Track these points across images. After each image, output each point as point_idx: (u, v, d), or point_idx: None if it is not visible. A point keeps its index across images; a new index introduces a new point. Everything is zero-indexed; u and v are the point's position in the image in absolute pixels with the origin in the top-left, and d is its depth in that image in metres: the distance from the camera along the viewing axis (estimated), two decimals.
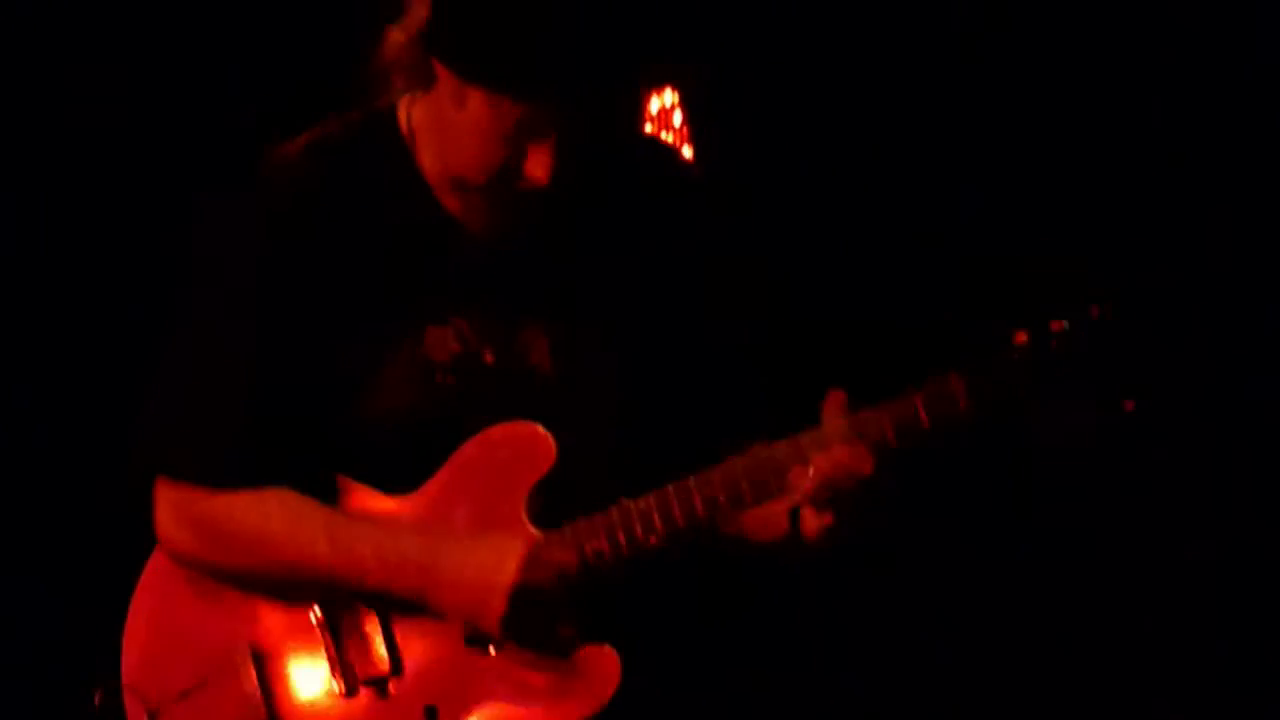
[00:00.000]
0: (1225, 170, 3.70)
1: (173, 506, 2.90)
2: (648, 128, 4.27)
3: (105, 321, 3.81)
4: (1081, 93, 3.79)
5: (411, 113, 2.91)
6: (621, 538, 2.82)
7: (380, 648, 2.89)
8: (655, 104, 4.28)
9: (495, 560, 2.79)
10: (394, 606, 2.87)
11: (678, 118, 4.29)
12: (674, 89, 4.26)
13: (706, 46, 3.43)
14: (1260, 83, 3.68)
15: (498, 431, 2.88)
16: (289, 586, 2.89)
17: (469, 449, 2.89)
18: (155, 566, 3.01)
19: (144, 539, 3.00)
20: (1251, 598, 3.90)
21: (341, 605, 2.90)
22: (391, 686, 2.88)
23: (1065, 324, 2.74)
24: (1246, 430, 3.78)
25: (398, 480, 2.90)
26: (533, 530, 2.84)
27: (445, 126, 2.82)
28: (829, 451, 2.76)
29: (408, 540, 2.85)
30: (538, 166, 2.76)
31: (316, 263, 2.87)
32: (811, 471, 2.76)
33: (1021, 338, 2.75)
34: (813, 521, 2.81)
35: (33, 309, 3.76)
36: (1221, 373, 3.60)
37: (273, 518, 2.86)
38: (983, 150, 3.87)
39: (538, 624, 2.83)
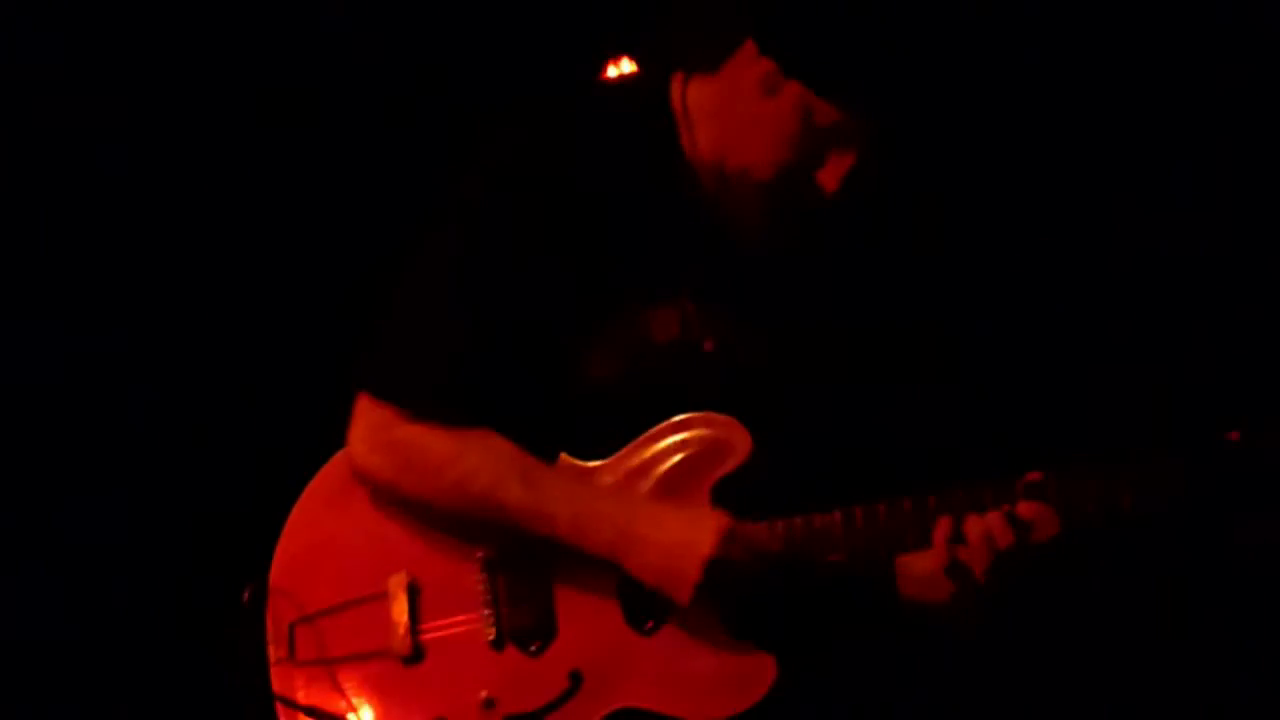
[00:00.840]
0: None
1: (373, 425, 2.90)
2: None
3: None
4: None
5: (688, 90, 2.90)
6: (816, 546, 2.82)
7: (540, 606, 2.89)
8: None
9: (697, 528, 2.79)
10: (568, 562, 2.87)
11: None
12: None
13: None
14: None
15: (699, 418, 2.89)
16: (469, 524, 2.89)
17: (667, 429, 2.90)
18: (325, 479, 3.01)
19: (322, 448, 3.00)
20: None
21: (510, 557, 2.90)
22: (541, 645, 2.89)
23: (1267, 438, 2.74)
24: None
25: (597, 451, 2.91)
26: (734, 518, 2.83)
27: (739, 114, 2.80)
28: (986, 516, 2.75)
29: (605, 498, 2.86)
30: (833, 177, 2.76)
31: (566, 220, 2.87)
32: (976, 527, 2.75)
33: (1235, 436, 2.76)
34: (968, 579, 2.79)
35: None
36: None
37: (471, 452, 2.86)
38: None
39: (704, 613, 2.84)
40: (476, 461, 2.86)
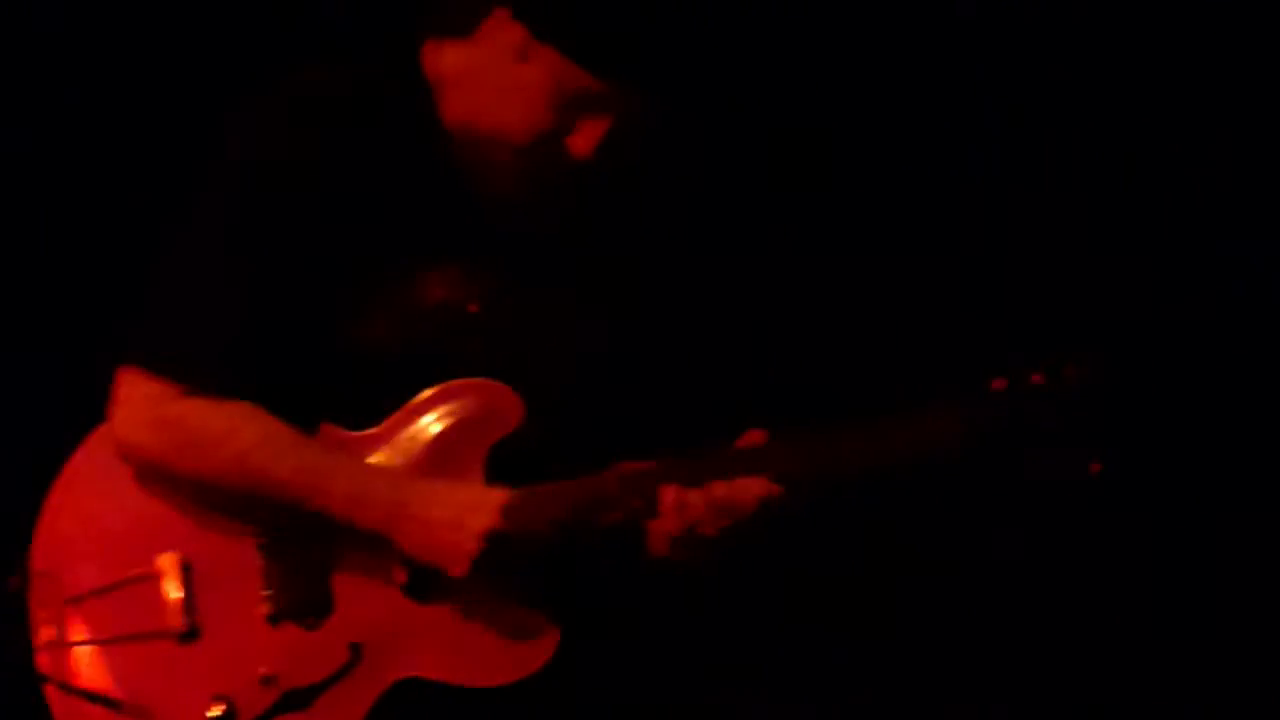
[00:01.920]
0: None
1: (140, 401, 2.85)
2: None
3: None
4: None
5: (442, 57, 2.88)
6: (587, 511, 2.84)
7: (316, 579, 2.88)
8: None
9: (472, 505, 2.80)
10: (343, 543, 2.86)
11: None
12: None
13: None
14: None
15: (467, 384, 2.90)
16: (242, 504, 2.86)
17: (436, 397, 2.90)
18: (85, 457, 2.95)
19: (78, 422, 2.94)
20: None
21: (285, 532, 2.88)
22: (319, 619, 2.88)
23: (1044, 378, 2.82)
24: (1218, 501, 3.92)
25: (364, 418, 2.89)
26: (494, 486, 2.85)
27: (492, 79, 2.80)
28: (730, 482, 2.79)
29: (379, 476, 2.85)
30: (585, 142, 2.77)
31: (320, 186, 2.84)
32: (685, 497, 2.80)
33: (999, 384, 2.83)
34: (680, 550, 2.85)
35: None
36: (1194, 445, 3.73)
37: (245, 429, 2.83)
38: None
39: (484, 583, 2.85)
40: (250, 439, 2.83)
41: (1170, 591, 3.88)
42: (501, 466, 2.89)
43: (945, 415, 2.79)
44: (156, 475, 2.89)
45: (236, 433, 2.83)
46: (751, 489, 2.78)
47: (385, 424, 2.90)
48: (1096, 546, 3.82)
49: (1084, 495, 2.88)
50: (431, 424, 2.90)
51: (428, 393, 2.90)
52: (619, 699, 3.03)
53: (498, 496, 2.81)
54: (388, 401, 2.91)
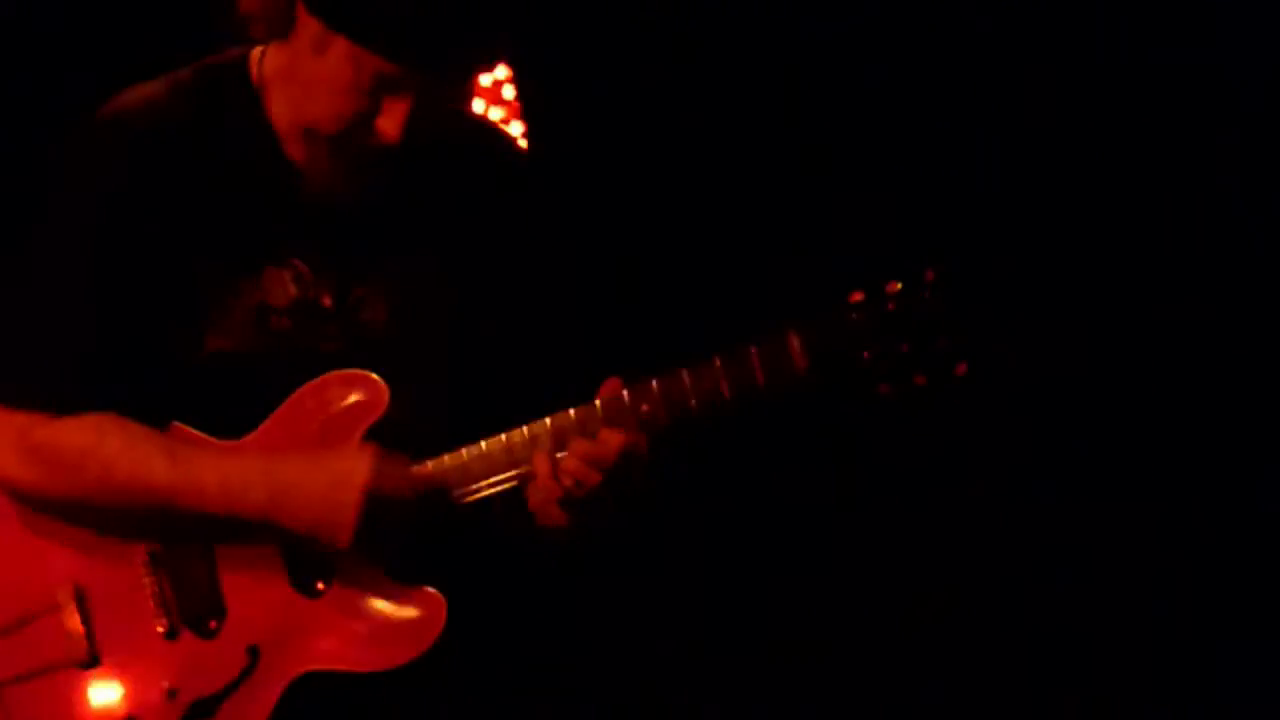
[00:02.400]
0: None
1: (11, 435, 2.88)
2: (478, 102, 4.31)
3: None
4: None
5: (264, 61, 2.93)
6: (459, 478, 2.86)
7: (205, 588, 2.90)
8: (486, 78, 4.30)
9: (344, 471, 2.81)
10: (226, 538, 2.88)
11: (509, 92, 4.32)
12: (506, 64, 4.28)
13: (541, 20, 3.44)
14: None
15: (333, 377, 2.91)
16: (122, 515, 2.88)
17: (303, 394, 2.91)
18: None
19: None
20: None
21: (168, 545, 2.91)
22: (214, 627, 2.89)
23: (900, 285, 2.80)
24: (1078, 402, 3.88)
25: (231, 424, 2.91)
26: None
27: (301, 74, 2.83)
28: (591, 439, 2.80)
29: (250, 460, 2.87)
30: (390, 124, 2.78)
31: (159, 200, 2.88)
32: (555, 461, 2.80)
33: (857, 297, 2.81)
34: (550, 515, 2.86)
35: None
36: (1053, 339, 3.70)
37: (109, 439, 2.86)
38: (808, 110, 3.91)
39: (366, 561, 2.86)
40: (116, 447, 2.86)
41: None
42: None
43: (797, 331, 2.78)
44: (39, 504, 2.91)
45: (101, 445, 2.86)
46: (613, 440, 2.78)
47: (259, 430, 2.92)
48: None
49: (951, 400, 2.83)
50: (304, 421, 2.91)
51: (295, 394, 2.91)
52: (512, 666, 3.03)
53: (367, 459, 2.82)
54: (258, 405, 2.92)
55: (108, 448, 2.86)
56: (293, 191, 2.92)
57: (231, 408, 2.91)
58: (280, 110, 2.91)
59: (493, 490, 2.87)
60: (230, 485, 2.84)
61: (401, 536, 2.86)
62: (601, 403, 2.82)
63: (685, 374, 2.80)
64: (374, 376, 2.90)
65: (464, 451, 2.87)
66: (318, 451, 2.86)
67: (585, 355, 2.99)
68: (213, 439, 2.92)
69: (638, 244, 3.66)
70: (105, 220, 2.88)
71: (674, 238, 3.84)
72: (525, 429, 2.84)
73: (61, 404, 2.87)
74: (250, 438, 2.92)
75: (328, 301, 2.94)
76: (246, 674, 2.87)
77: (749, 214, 3.85)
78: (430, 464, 2.87)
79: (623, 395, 2.81)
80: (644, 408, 2.81)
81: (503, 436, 2.86)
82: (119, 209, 2.88)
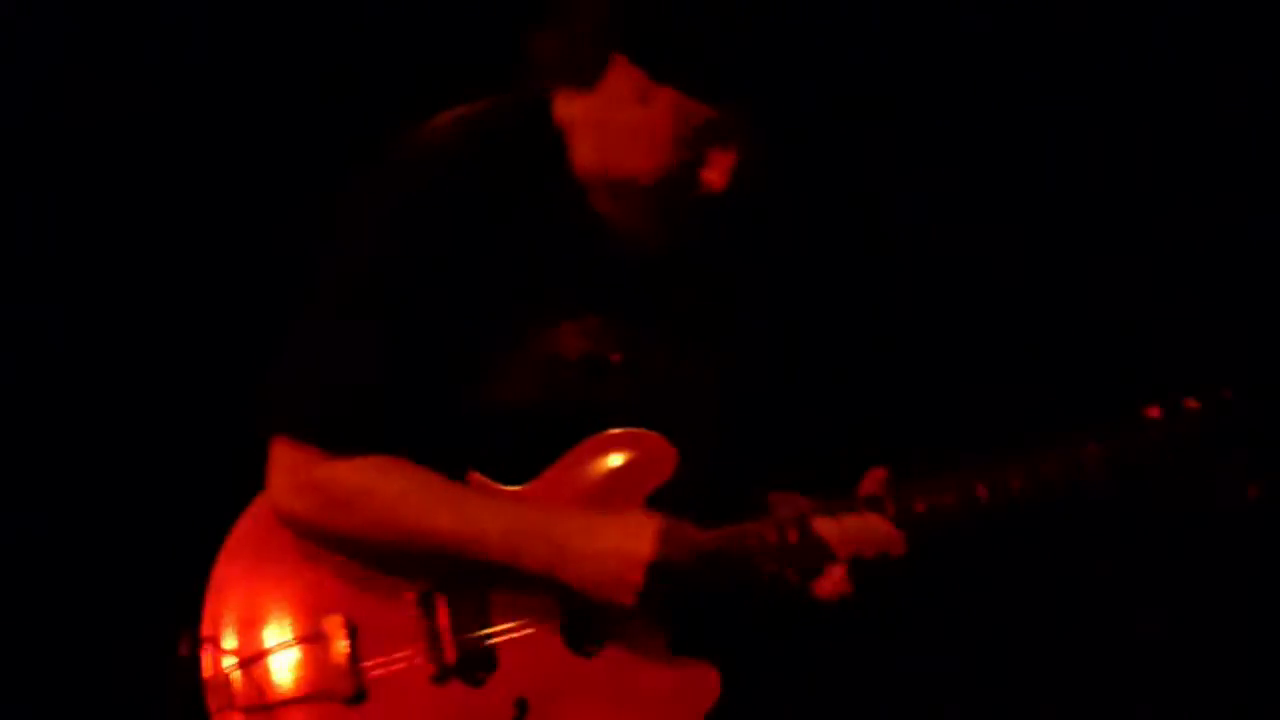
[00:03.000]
0: None
1: (291, 468, 2.88)
2: None
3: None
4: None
5: (570, 108, 2.89)
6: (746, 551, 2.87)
7: (477, 636, 2.90)
8: None
9: (633, 532, 2.81)
10: (504, 586, 2.88)
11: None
12: None
13: None
14: None
15: (621, 435, 2.92)
16: (400, 558, 2.89)
17: (588, 447, 2.92)
18: (249, 525, 2.99)
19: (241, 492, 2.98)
20: None
21: (443, 588, 2.91)
22: (484, 675, 2.90)
23: (1199, 404, 2.80)
24: None
25: (512, 472, 2.92)
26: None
27: (617, 125, 2.81)
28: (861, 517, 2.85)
29: (535, 512, 2.87)
30: (718, 175, 2.77)
31: (457, 241, 2.86)
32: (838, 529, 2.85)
33: (1155, 413, 2.81)
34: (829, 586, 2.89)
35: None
36: None
37: (395, 482, 2.86)
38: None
39: (643, 626, 2.86)
40: (398, 490, 2.86)
41: None
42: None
43: (1094, 443, 2.79)
44: (317, 538, 2.92)
45: (386, 487, 2.86)
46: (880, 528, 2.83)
47: (541, 478, 2.92)
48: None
49: (1240, 521, 2.84)
50: (587, 475, 2.91)
51: (581, 445, 2.91)
52: None
53: (660, 525, 2.82)
54: (538, 456, 2.93)
55: (389, 490, 2.86)
56: (592, 243, 2.91)
57: (511, 459, 2.92)
58: (586, 160, 2.88)
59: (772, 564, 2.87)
60: (514, 538, 2.84)
61: (682, 603, 2.86)
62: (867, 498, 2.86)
63: (976, 474, 2.82)
64: (664, 440, 2.90)
65: (747, 527, 2.88)
66: (604, 516, 2.86)
67: (859, 427, 3.00)
68: (492, 483, 2.93)
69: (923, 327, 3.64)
70: (399, 259, 2.86)
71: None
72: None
73: (344, 442, 2.87)
74: (529, 486, 2.92)
75: (617, 357, 2.93)
76: None
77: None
78: (716, 531, 2.86)
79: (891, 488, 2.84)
80: (918, 507, 2.82)
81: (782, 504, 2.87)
82: (417, 247, 2.86)
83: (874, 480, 2.91)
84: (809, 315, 3.05)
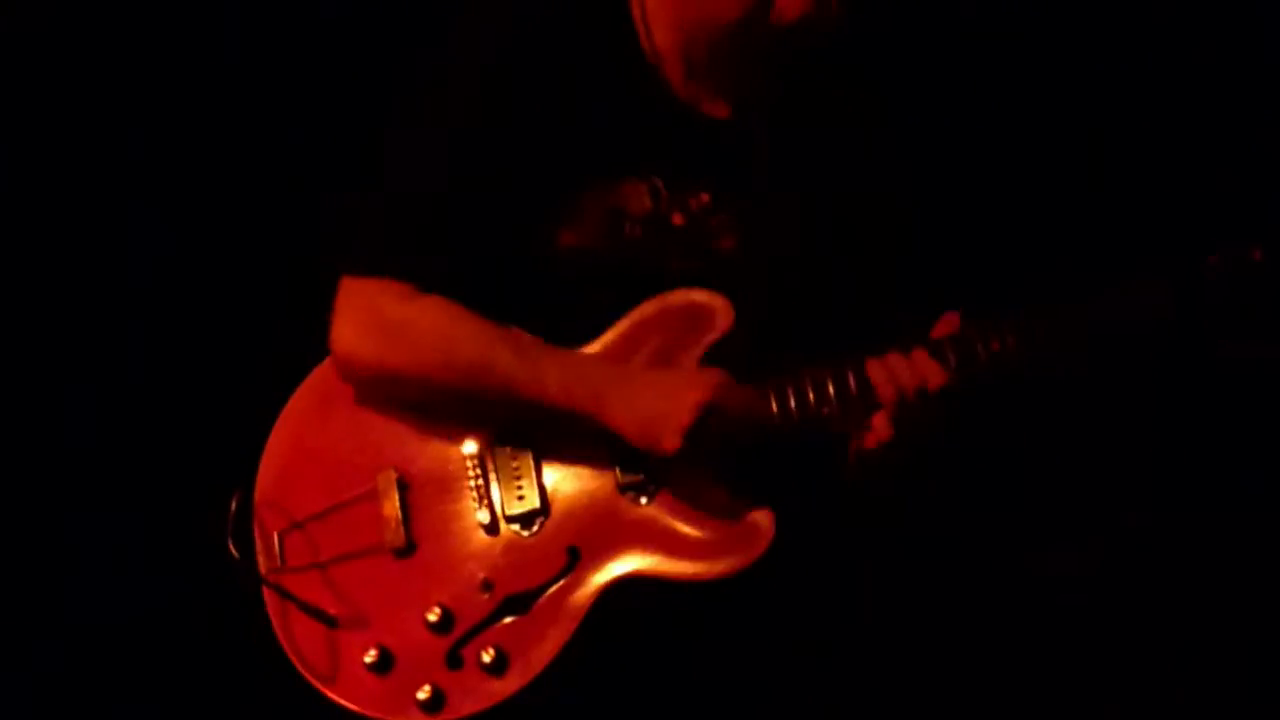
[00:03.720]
0: None
1: (361, 303, 2.88)
2: None
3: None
4: None
5: None
6: (801, 398, 2.86)
7: (530, 486, 2.88)
8: None
9: (684, 381, 2.82)
10: (557, 437, 2.87)
11: None
12: None
13: None
14: None
15: (678, 295, 2.92)
16: (452, 405, 2.88)
17: (649, 307, 2.92)
18: (307, 392, 3.00)
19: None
20: None
21: (497, 442, 2.90)
22: (537, 524, 2.87)
23: (1262, 254, 2.79)
24: None
25: (573, 321, 2.92)
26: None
27: None
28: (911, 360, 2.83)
29: (591, 362, 2.88)
30: (790, 7, 2.76)
31: (535, 95, 2.89)
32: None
33: (1215, 260, 2.79)
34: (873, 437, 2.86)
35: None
36: None
37: (461, 321, 2.86)
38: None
39: (695, 472, 2.83)
40: (467, 330, 2.86)
41: None
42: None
43: (1158, 284, 2.77)
44: (374, 382, 2.91)
45: (455, 324, 2.86)
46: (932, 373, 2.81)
47: (603, 337, 2.92)
48: None
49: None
50: (646, 332, 2.92)
51: (640, 307, 2.92)
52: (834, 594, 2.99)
53: (714, 374, 2.82)
54: (599, 309, 2.93)
55: (458, 330, 2.86)
56: (661, 110, 2.94)
57: (577, 305, 2.93)
58: (662, 37, 2.92)
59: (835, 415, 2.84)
60: (569, 380, 2.84)
61: (731, 454, 2.83)
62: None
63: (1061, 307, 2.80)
64: (721, 297, 2.90)
65: (808, 372, 2.86)
66: (661, 368, 2.87)
67: (922, 285, 2.97)
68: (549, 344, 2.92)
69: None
70: (483, 99, 2.89)
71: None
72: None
73: (418, 275, 2.87)
74: (593, 345, 2.93)
75: (679, 220, 2.94)
76: (564, 573, 2.85)
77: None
78: (773, 383, 2.85)
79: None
80: (994, 345, 2.79)
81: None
82: (498, 89, 2.89)
83: (948, 323, 2.87)
84: (875, 188, 3.02)
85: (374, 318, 2.88)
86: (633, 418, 2.81)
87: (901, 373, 2.82)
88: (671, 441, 2.79)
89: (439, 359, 2.86)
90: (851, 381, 2.86)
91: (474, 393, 2.86)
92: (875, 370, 2.84)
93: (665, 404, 2.79)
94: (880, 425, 2.85)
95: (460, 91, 2.90)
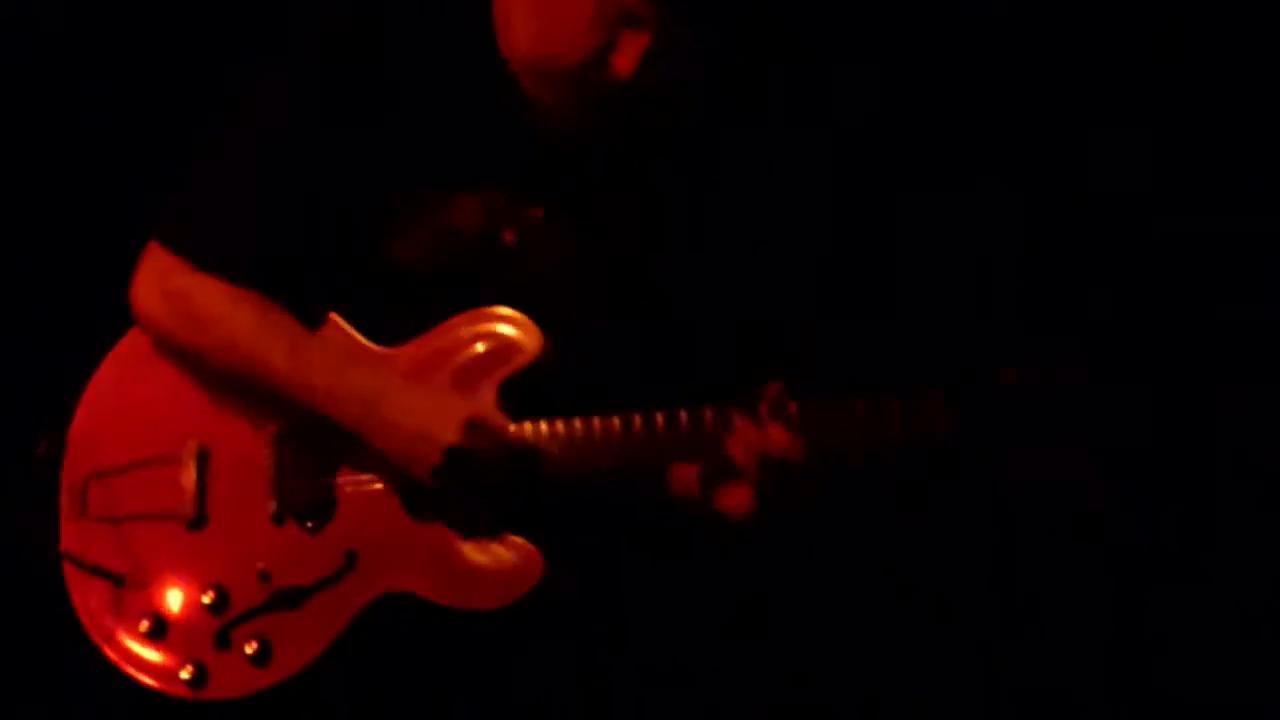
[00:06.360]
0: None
1: (155, 272, 2.95)
2: None
3: None
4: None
5: None
6: (569, 450, 2.85)
7: (321, 485, 2.93)
8: None
9: (441, 415, 2.83)
10: (356, 447, 2.90)
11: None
12: None
13: None
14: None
15: (494, 313, 2.91)
16: (262, 397, 2.92)
17: (462, 321, 2.92)
18: (132, 343, 3.04)
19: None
20: None
21: (299, 434, 2.94)
22: (319, 524, 2.93)
23: (1057, 375, 2.75)
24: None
25: (388, 331, 2.93)
26: (494, 407, 2.87)
27: (541, 3, 2.80)
28: (762, 429, 2.79)
29: (361, 374, 2.89)
30: (627, 58, 2.75)
31: (373, 96, 2.88)
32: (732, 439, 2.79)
33: (1010, 378, 2.75)
34: (728, 497, 2.84)
35: None
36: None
37: (242, 311, 2.90)
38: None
39: (471, 507, 2.87)
40: (248, 321, 2.90)
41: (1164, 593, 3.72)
42: (517, 397, 2.91)
43: (946, 400, 2.74)
44: (165, 346, 2.97)
45: (235, 314, 2.90)
46: (779, 438, 2.78)
47: (411, 343, 2.93)
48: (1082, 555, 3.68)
49: (1075, 499, 2.80)
50: (456, 347, 2.92)
51: (455, 318, 2.92)
52: (599, 629, 3.04)
53: (467, 409, 2.84)
54: (420, 322, 2.93)
55: (237, 320, 2.90)
56: (509, 123, 2.90)
57: (395, 317, 2.93)
58: (518, 39, 2.86)
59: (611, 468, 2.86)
60: (336, 392, 2.87)
61: (480, 491, 2.86)
62: (769, 404, 2.80)
63: (852, 405, 2.77)
64: (534, 324, 2.89)
65: (578, 423, 2.86)
66: (424, 391, 2.88)
67: (743, 344, 2.95)
68: (362, 338, 2.94)
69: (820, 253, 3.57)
70: (313, 99, 2.89)
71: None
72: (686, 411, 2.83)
73: (213, 263, 2.91)
74: (397, 349, 2.94)
75: (510, 238, 2.92)
76: (338, 576, 2.91)
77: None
78: (544, 428, 2.86)
79: (795, 405, 2.79)
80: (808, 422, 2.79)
81: (615, 419, 2.84)
82: (329, 90, 2.88)
83: (771, 392, 2.86)
84: (713, 227, 2.99)
85: (163, 285, 2.93)
86: (390, 446, 2.85)
87: (759, 440, 2.80)
88: (425, 477, 2.83)
89: (214, 346, 2.91)
90: (638, 432, 2.85)
91: (249, 382, 2.90)
92: (729, 437, 2.82)
93: (417, 440, 2.83)
94: (743, 496, 2.84)
95: (283, 86, 2.90)
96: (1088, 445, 2.71)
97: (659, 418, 2.84)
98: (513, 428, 2.85)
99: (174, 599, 2.94)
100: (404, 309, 2.93)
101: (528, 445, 2.83)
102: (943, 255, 3.57)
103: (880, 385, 2.78)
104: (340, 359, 2.89)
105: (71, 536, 2.99)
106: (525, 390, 2.90)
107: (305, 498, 2.93)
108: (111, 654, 2.95)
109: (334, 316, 2.95)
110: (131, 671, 2.94)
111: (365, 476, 2.93)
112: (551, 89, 2.85)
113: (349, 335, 2.94)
